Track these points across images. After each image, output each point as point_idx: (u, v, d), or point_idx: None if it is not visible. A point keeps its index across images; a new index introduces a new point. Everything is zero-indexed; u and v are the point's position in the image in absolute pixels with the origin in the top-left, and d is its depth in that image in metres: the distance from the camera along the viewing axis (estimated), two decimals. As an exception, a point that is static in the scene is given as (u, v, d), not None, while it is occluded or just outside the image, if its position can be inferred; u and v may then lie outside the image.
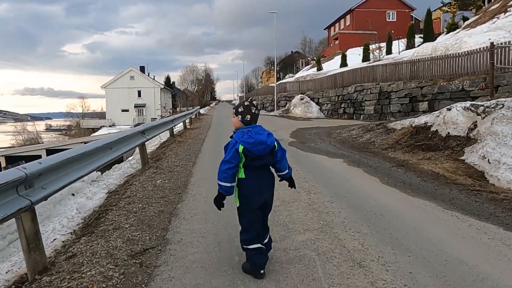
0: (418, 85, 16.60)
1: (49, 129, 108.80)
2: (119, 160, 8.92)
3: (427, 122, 8.59)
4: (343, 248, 3.25)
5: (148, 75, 65.56)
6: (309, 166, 6.96)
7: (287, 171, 2.98)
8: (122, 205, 4.71)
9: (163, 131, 9.60)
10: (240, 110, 2.80)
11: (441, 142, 7.62)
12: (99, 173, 8.26)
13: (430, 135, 8.08)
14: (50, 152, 31.88)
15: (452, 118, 7.82)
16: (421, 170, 6.42)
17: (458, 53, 14.95)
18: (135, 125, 53.98)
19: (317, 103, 27.55)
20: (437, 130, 8.08)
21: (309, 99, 28.33)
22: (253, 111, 2.80)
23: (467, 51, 14.43)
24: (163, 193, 5.03)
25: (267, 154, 2.74)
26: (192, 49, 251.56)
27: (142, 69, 65.62)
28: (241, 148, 2.64)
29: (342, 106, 23.47)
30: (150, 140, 8.94)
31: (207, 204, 4.48)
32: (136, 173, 7.09)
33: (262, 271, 2.75)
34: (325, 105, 26.35)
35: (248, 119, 2.78)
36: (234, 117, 2.85)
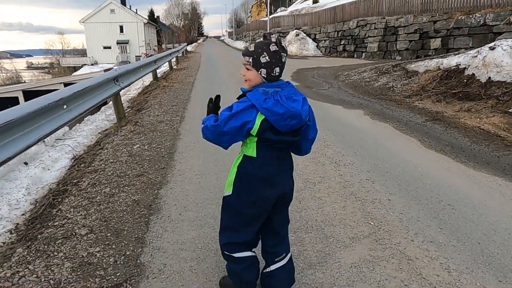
0: (431, 19, 14.85)
1: (30, 67, 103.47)
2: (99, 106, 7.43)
3: (460, 64, 7.18)
4: (422, 279, 2.06)
5: (130, 8, 60.79)
6: (324, 120, 5.65)
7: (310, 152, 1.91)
8: (84, 186, 3.41)
9: (144, 75, 8.00)
10: (263, 58, 1.59)
11: (481, 89, 6.29)
12: (67, 128, 6.86)
13: (465, 81, 6.72)
14: (27, 93, 29.78)
15: (496, 60, 6.43)
16: (465, 127, 5.16)
17: (483, -20, 13.06)
18: (120, 63, 51.28)
19: (314, 40, 25.55)
20: (473, 74, 6.72)
21: (305, 35, 26.23)
22: (283, 59, 1.63)
23: (494, -22, 12.57)
24: (140, 168, 3.71)
25: (295, 131, 1.65)
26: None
27: (123, 1, 60.61)
28: (259, 120, 1.56)
29: (342, 43, 21.62)
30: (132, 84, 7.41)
31: (202, 190, 3.20)
32: (111, 130, 5.71)
33: None
34: (323, 41, 24.40)
35: (277, 73, 1.63)
36: (248, 68, 1.64)
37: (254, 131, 1.57)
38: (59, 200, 3.32)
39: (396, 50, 16.82)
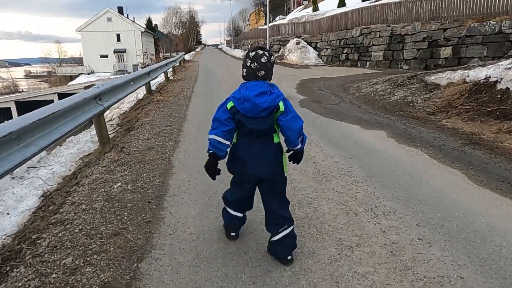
0: (441, 26, 14.11)
1: (28, 75, 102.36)
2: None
3: (490, 77, 6.37)
4: None
5: (127, 17, 60.19)
6: (343, 144, 4.81)
7: (298, 146, 2.25)
8: (41, 250, 2.53)
9: (135, 90, 7.14)
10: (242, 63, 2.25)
11: (520, 106, 5.46)
12: (44, 153, 6.00)
13: (499, 96, 5.90)
14: (20, 104, 28.90)
15: (536, 72, 5.62)
16: (512, 153, 4.32)
17: (497, -15, 12.35)
18: (117, 72, 50.46)
19: (315, 48, 24.80)
20: (508, 89, 5.90)
21: (305, 43, 25.50)
22: (248, 63, 2.18)
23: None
24: (118, 222, 2.82)
25: (260, 118, 2.15)
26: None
27: (120, 10, 60.03)
28: (230, 104, 2.19)
29: (345, 51, 20.86)
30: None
31: (199, 262, 2.33)
32: (92, 158, 4.84)
33: (233, 234, 2.57)
34: (324, 50, 23.64)
35: (244, 74, 2.23)
36: None
37: (229, 106, 2.17)
38: (7, 269, 2.45)
39: (403, 59, 16.06)
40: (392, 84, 8.67)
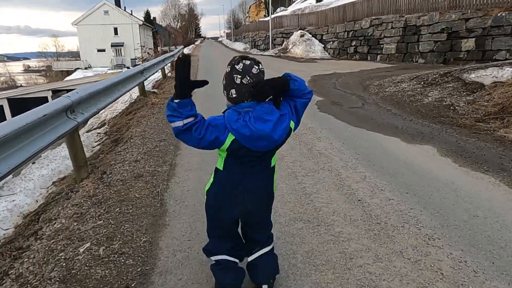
0: (462, 16, 12.92)
1: (27, 70, 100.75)
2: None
3: (552, 75, 5.25)
4: None
5: (125, 10, 58.64)
6: (387, 168, 3.71)
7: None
8: None
9: (121, 95, 5.92)
10: (223, 81, 1.67)
11: None
12: (11, 176, 4.90)
13: None
14: (12, 101, 27.75)
15: None
16: None
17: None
18: (115, 66, 49.14)
19: (321, 41, 23.60)
20: None
21: (310, 36, 24.28)
22: (237, 80, 1.60)
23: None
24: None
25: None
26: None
27: (117, 2, 58.40)
28: (229, 140, 1.60)
29: (353, 44, 19.67)
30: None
31: None
32: (63, 187, 3.73)
33: None
34: (331, 43, 22.43)
35: (233, 95, 1.62)
36: None
37: (224, 148, 1.61)
38: None
39: (418, 52, 14.91)
40: (422, 83, 7.53)
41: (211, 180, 1.84)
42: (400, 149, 4.34)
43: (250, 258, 1.97)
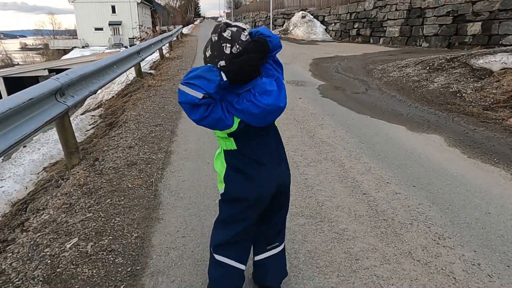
0: (469, -1, 12.53)
1: (24, 48, 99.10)
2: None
3: None
4: None
5: (123, -13, 57.26)
6: (394, 158, 3.54)
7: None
8: None
9: (116, 77, 5.68)
10: (207, 52, 1.45)
11: None
12: (1, 159, 4.74)
13: None
14: (8, 80, 27.30)
15: None
16: None
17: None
18: (113, 45, 48.33)
19: (322, 23, 23.12)
20: None
21: (312, 17, 23.77)
22: (226, 49, 1.39)
23: None
24: None
25: None
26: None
27: (115, -21, 57.07)
28: (236, 123, 1.44)
29: (356, 26, 19.25)
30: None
31: None
32: (53, 175, 3.56)
33: None
34: (333, 24, 21.96)
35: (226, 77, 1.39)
36: None
37: (233, 129, 1.45)
38: None
39: (423, 36, 14.57)
40: (428, 68, 7.29)
41: (223, 166, 1.60)
42: (406, 138, 4.16)
43: (259, 257, 1.80)
